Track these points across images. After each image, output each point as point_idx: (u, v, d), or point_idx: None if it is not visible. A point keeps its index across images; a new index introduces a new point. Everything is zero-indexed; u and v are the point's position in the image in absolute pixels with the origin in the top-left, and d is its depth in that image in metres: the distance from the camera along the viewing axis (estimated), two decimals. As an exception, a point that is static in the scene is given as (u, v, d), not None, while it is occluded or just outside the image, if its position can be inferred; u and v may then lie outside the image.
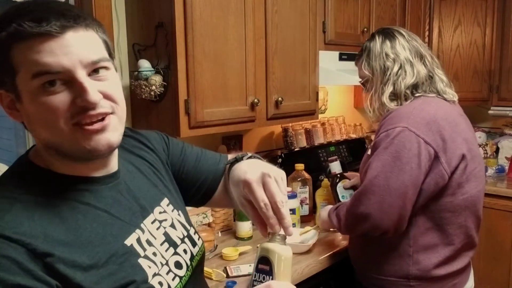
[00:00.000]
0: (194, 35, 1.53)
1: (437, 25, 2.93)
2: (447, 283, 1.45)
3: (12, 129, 2.09)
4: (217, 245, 1.74)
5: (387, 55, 1.50)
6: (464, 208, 1.42)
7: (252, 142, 2.28)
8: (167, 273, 0.81)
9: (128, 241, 0.77)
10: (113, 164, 0.81)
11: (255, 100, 1.75)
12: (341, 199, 1.80)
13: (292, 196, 1.94)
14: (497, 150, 3.13)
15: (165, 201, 0.90)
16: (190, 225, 0.94)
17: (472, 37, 2.95)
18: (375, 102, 1.51)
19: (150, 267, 0.77)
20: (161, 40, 1.56)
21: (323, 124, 2.55)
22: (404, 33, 1.54)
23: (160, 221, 0.85)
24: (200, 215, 1.81)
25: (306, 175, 2.12)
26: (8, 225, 0.65)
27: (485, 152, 3.15)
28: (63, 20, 0.67)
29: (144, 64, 1.59)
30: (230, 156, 1.05)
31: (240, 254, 1.70)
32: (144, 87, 1.57)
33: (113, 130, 0.73)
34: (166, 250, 0.83)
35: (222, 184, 1.02)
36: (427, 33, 2.90)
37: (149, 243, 0.80)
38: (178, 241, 0.87)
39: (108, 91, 0.71)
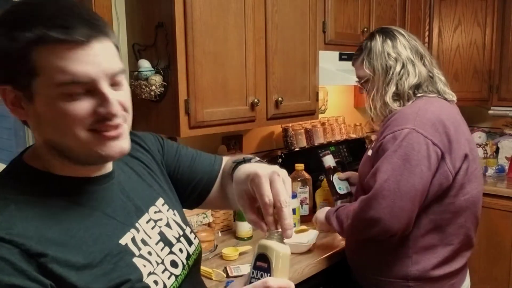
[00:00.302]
0: (194, 35, 1.53)
1: (437, 25, 2.93)
2: (445, 283, 1.46)
3: (12, 129, 2.09)
4: (217, 245, 1.74)
5: (388, 54, 1.48)
6: (465, 209, 1.42)
7: (252, 142, 2.28)
8: (163, 272, 0.81)
9: (123, 241, 0.77)
10: (108, 164, 0.81)
11: (255, 100, 1.75)
12: (338, 190, 1.80)
13: (292, 196, 1.94)
14: (497, 150, 3.14)
15: (160, 201, 0.90)
16: (186, 224, 0.94)
17: (472, 37, 2.95)
18: (377, 102, 1.50)
19: (145, 266, 0.78)
20: (161, 40, 1.56)
21: (323, 124, 2.55)
22: (403, 32, 1.54)
23: (155, 221, 0.86)
24: (200, 215, 1.81)
25: (306, 175, 2.12)
26: (1, 226, 0.65)
27: (485, 152, 3.15)
28: (89, 28, 0.67)
29: (144, 64, 1.59)
30: (226, 158, 1.06)
31: (240, 254, 1.70)
32: (144, 87, 1.57)
33: (126, 137, 0.75)
34: (161, 249, 0.83)
35: (217, 185, 1.02)
36: (427, 33, 2.90)
37: (144, 242, 0.80)
38: (174, 241, 0.87)
39: (123, 102, 0.73)
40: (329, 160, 1.85)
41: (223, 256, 1.67)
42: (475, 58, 2.96)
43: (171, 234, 0.87)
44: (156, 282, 0.78)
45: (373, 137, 1.60)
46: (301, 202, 2.08)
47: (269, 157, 2.27)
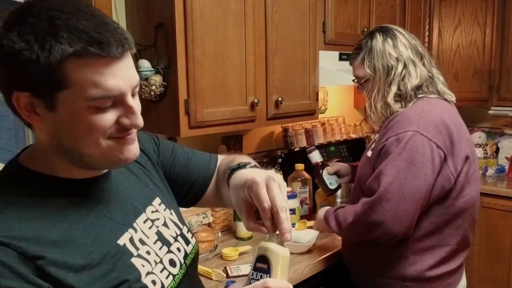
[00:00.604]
0: (194, 35, 1.53)
1: (437, 25, 2.93)
2: (441, 283, 1.45)
3: (12, 129, 2.09)
4: (217, 245, 1.74)
5: (390, 54, 1.46)
6: (464, 211, 1.42)
7: (252, 142, 2.28)
8: (161, 271, 0.81)
9: (121, 241, 0.77)
10: None
11: (255, 100, 1.75)
12: (329, 186, 1.80)
13: (292, 196, 1.94)
14: (497, 150, 3.13)
15: (157, 200, 0.90)
16: (183, 223, 0.94)
17: (472, 37, 2.95)
18: (378, 102, 1.48)
19: (143, 266, 0.78)
20: (161, 40, 1.56)
21: (323, 124, 2.55)
22: (402, 31, 1.52)
23: (153, 220, 0.86)
24: (200, 215, 1.81)
25: (306, 175, 2.12)
26: None
27: (485, 152, 3.15)
28: (121, 44, 0.67)
29: (144, 64, 1.59)
30: (221, 157, 1.07)
31: (240, 254, 1.70)
32: (144, 87, 1.57)
33: (136, 142, 0.77)
34: (159, 249, 0.84)
35: (212, 185, 1.03)
36: (427, 33, 2.90)
37: (142, 242, 0.81)
38: (171, 240, 0.87)
39: (139, 109, 0.75)
40: (316, 156, 1.83)
41: (223, 256, 1.67)
42: (475, 58, 2.96)
43: (168, 234, 0.87)
44: (154, 282, 0.78)
45: (373, 136, 1.58)
46: (301, 202, 2.08)
47: (269, 157, 2.27)
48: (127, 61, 0.70)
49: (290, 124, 2.33)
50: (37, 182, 0.73)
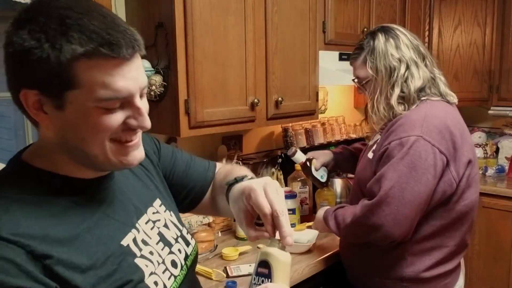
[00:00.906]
0: (194, 35, 1.53)
1: (437, 25, 2.93)
2: (439, 283, 1.45)
3: (12, 129, 2.09)
4: (217, 245, 1.74)
5: (392, 55, 1.44)
6: (464, 214, 1.42)
7: (252, 142, 2.28)
8: (164, 272, 0.81)
9: (125, 241, 0.77)
10: None
11: (255, 100, 1.75)
12: (321, 180, 1.84)
13: (292, 196, 1.94)
14: (497, 150, 3.13)
15: (157, 201, 0.90)
16: (182, 225, 0.95)
17: (472, 37, 2.95)
18: (381, 104, 1.45)
19: (147, 266, 0.78)
20: (161, 40, 1.56)
21: (323, 124, 2.55)
22: (404, 31, 1.50)
23: (154, 221, 0.86)
24: (200, 215, 1.81)
25: (306, 175, 2.12)
26: (5, 226, 0.64)
27: (485, 152, 3.15)
28: (132, 45, 0.68)
29: (144, 64, 1.59)
30: (219, 165, 1.08)
31: (240, 254, 1.70)
32: (144, 87, 1.57)
33: (141, 146, 0.77)
34: (161, 249, 0.84)
35: (209, 192, 1.04)
36: (427, 33, 2.90)
37: (144, 243, 0.81)
38: (172, 241, 0.88)
39: (147, 110, 0.75)
40: (300, 157, 1.83)
41: (223, 256, 1.67)
42: (475, 58, 2.96)
43: (169, 235, 0.88)
44: (156, 283, 0.78)
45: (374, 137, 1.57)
46: (301, 202, 2.08)
47: (269, 157, 2.27)
48: (137, 62, 0.70)
49: (290, 124, 2.33)
50: (41, 179, 0.73)
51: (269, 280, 0.75)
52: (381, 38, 1.47)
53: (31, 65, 0.64)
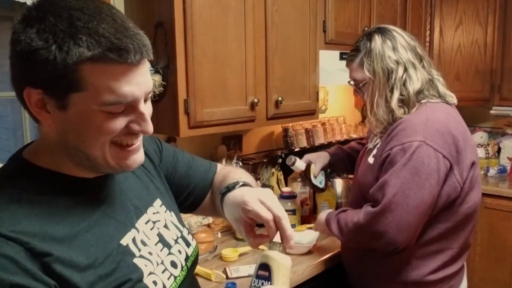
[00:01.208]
0: (194, 34, 1.52)
1: (438, 24, 2.92)
2: (444, 286, 1.44)
3: (10, 129, 2.09)
4: (216, 246, 1.74)
5: (389, 56, 1.41)
6: (468, 216, 1.41)
7: (252, 142, 2.27)
8: (163, 272, 0.81)
9: (124, 241, 0.77)
10: None
11: (255, 100, 1.74)
12: (320, 186, 1.84)
13: (292, 196, 1.93)
14: (498, 150, 3.12)
15: (158, 201, 0.90)
16: (183, 226, 0.94)
17: (474, 36, 2.93)
18: (381, 107, 1.43)
19: (146, 266, 0.78)
20: (161, 40, 1.55)
21: (323, 124, 2.55)
22: (401, 32, 1.48)
23: (154, 222, 0.86)
24: (199, 215, 1.80)
25: (307, 176, 2.10)
26: (5, 223, 0.65)
27: (486, 152, 3.14)
28: (140, 51, 0.67)
29: (143, 64, 1.58)
30: (220, 166, 1.08)
31: (240, 255, 1.69)
32: (143, 87, 1.56)
33: (141, 149, 0.77)
34: (160, 250, 0.84)
35: (210, 195, 1.04)
36: (428, 32, 2.89)
37: (143, 243, 0.81)
38: (172, 242, 0.87)
39: (150, 114, 0.74)
40: (299, 165, 1.80)
41: (223, 257, 1.66)
42: (477, 57, 2.95)
43: (169, 236, 0.87)
44: (155, 283, 0.78)
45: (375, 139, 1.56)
46: (302, 203, 2.07)
47: (269, 157, 2.26)
48: (144, 68, 0.70)
49: (290, 124, 2.32)
50: (42, 178, 0.73)
51: (269, 283, 0.76)
52: (377, 39, 1.45)
53: (37, 65, 0.64)
